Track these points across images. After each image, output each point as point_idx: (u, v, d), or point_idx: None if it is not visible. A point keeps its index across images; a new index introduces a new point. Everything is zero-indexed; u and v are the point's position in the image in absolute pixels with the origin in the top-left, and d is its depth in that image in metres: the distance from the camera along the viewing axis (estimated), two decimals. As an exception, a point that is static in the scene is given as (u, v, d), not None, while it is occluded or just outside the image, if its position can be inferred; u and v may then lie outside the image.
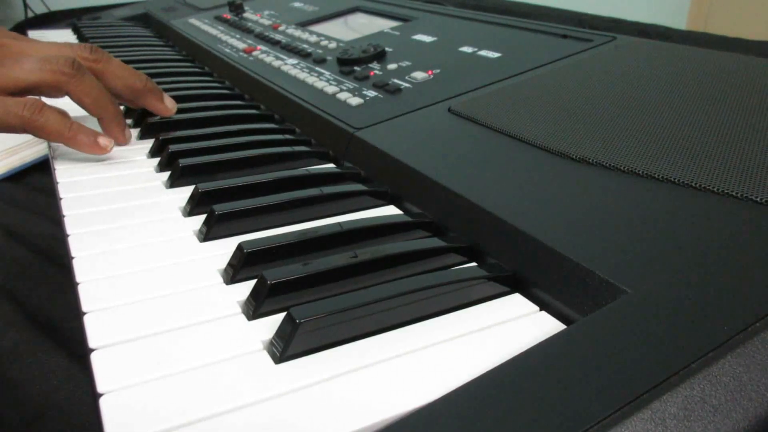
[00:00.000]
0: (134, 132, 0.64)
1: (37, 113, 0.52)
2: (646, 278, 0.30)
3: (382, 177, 0.49)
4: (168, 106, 0.64)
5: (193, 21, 1.11)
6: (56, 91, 0.55)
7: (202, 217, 0.44)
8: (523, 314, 0.33)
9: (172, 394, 0.28)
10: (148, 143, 0.61)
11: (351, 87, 0.62)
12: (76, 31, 1.20)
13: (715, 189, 0.36)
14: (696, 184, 0.36)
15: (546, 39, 0.66)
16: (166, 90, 0.72)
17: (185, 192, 0.49)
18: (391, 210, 0.46)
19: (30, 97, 0.53)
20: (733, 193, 0.35)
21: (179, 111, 0.66)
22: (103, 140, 0.56)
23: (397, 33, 0.78)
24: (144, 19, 1.31)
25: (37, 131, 0.52)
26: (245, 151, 0.54)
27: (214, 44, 0.92)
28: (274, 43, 0.85)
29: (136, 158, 0.57)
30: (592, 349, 0.26)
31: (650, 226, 0.34)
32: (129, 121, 0.67)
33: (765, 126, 0.42)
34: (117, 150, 0.59)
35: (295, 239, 0.39)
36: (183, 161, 0.51)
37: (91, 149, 0.55)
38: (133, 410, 0.27)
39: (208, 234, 0.42)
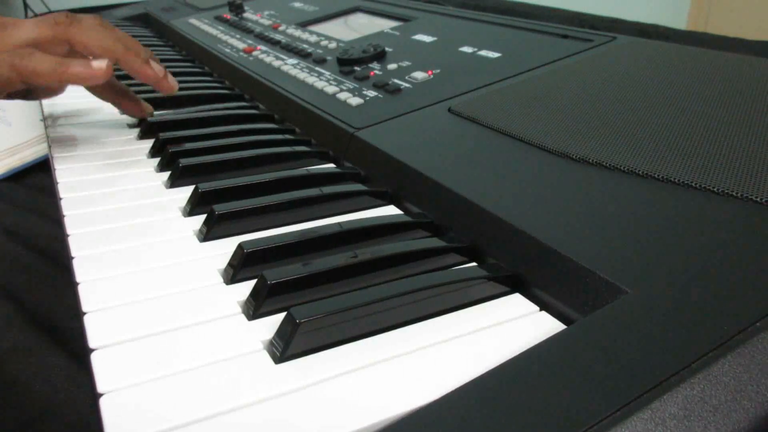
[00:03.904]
0: (134, 132, 0.64)
1: (26, 57, 0.50)
2: (646, 278, 0.30)
3: (382, 177, 0.49)
4: (171, 83, 0.61)
5: (193, 21, 1.11)
6: (58, 44, 0.54)
7: (202, 217, 0.44)
8: (523, 314, 0.33)
9: (172, 394, 0.28)
10: (148, 143, 0.61)
11: (351, 87, 0.62)
12: (76, 31, 1.19)
13: (715, 189, 0.36)
14: (696, 184, 0.36)
15: (546, 39, 0.66)
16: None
17: (185, 192, 0.49)
18: (391, 210, 0.46)
19: (23, 48, 0.51)
20: (734, 193, 0.35)
21: (179, 110, 0.66)
22: (96, 63, 0.52)
23: (397, 33, 0.78)
24: (144, 19, 1.31)
25: (30, 77, 0.51)
26: (245, 151, 0.54)
27: (214, 44, 0.92)
28: (274, 43, 0.85)
29: (137, 158, 0.57)
30: (592, 349, 0.26)
31: (650, 226, 0.34)
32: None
33: (765, 126, 0.42)
34: (117, 150, 0.59)
35: (295, 239, 0.39)
36: (183, 161, 0.51)
37: (88, 78, 0.52)
38: (133, 410, 0.27)
39: (208, 234, 0.42)
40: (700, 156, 0.39)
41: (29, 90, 0.60)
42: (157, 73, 0.58)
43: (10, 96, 0.57)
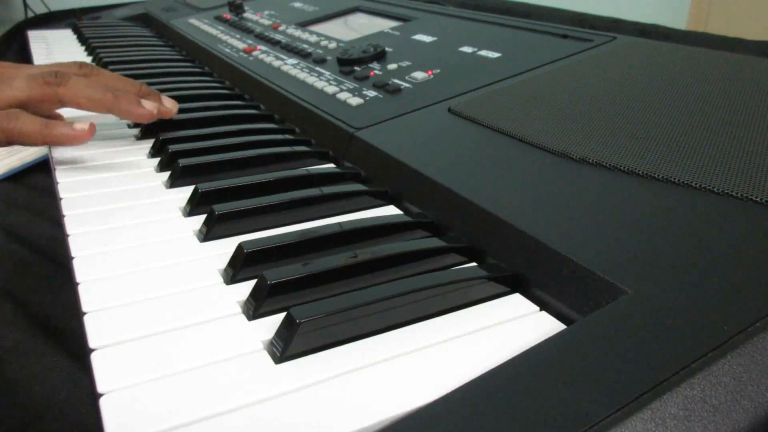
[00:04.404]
0: (134, 132, 0.64)
1: (13, 121, 0.52)
2: (646, 278, 0.30)
3: (382, 177, 0.49)
4: (168, 106, 0.64)
5: (193, 21, 1.11)
6: (49, 103, 0.56)
7: (202, 217, 0.44)
8: (523, 314, 0.33)
9: (172, 394, 0.28)
10: (148, 143, 0.61)
11: (351, 87, 0.62)
12: (76, 31, 1.20)
13: (715, 189, 0.36)
14: (696, 184, 0.36)
15: (546, 39, 0.66)
16: (166, 90, 0.72)
17: (185, 192, 0.49)
18: (391, 210, 0.46)
19: (10, 109, 0.53)
20: (734, 193, 0.35)
21: (179, 111, 0.66)
22: (79, 125, 0.55)
23: (397, 33, 0.78)
24: (144, 19, 1.31)
25: (17, 138, 0.53)
26: (245, 151, 0.54)
27: (214, 44, 0.92)
28: (274, 43, 0.85)
29: (136, 158, 0.57)
30: (592, 349, 0.26)
31: (650, 226, 0.34)
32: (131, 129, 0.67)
33: (765, 126, 0.42)
34: (117, 150, 0.59)
35: (295, 239, 0.39)
36: (183, 161, 0.51)
37: (72, 139, 0.54)
38: (133, 410, 0.27)
39: (208, 234, 0.42)
40: (700, 156, 0.39)
41: None
42: (150, 110, 0.59)
43: None
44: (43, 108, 0.56)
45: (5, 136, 0.52)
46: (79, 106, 0.56)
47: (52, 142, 0.54)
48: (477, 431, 0.23)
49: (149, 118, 0.60)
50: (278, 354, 0.30)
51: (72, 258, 0.40)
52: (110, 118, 0.69)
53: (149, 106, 0.59)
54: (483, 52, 0.65)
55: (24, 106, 0.54)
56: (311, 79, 0.66)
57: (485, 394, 0.24)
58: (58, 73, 0.55)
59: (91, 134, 0.55)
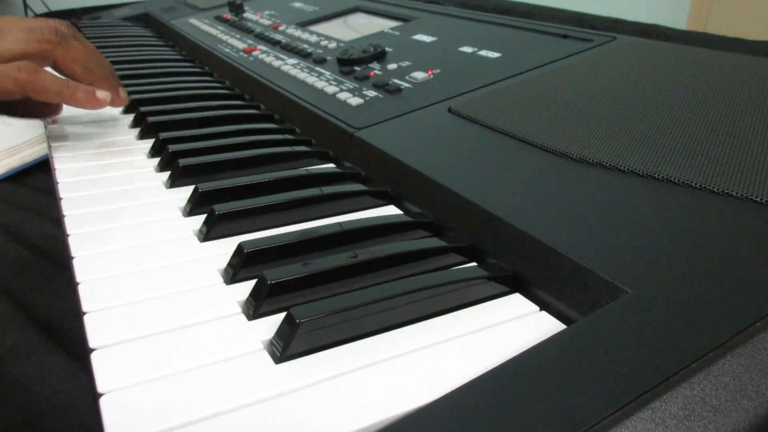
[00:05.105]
0: (134, 132, 0.64)
1: (32, 74, 0.52)
2: (646, 278, 0.30)
3: (382, 177, 0.49)
4: (123, 97, 0.63)
5: (193, 21, 1.11)
6: (43, 60, 0.56)
7: (202, 217, 0.44)
8: (523, 314, 0.33)
9: (172, 394, 0.28)
10: (148, 143, 0.61)
11: (351, 87, 0.62)
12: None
13: (715, 189, 0.36)
14: (696, 184, 0.36)
15: (546, 39, 0.66)
16: (166, 90, 0.72)
17: (185, 192, 0.49)
18: (391, 210, 0.46)
19: (23, 61, 0.53)
20: (734, 193, 0.35)
21: (179, 111, 0.66)
22: (101, 93, 0.56)
23: (397, 33, 0.78)
24: (144, 19, 1.31)
25: (36, 92, 0.53)
26: (245, 151, 0.54)
27: (214, 44, 0.92)
28: (274, 43, 0.85)
29: (136, 158, 0.57)
30: (592, 349, 0.26)
31: (650, 226, 0.34)
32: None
33: (765, 126, 0.42)
34: (117, 150, 0.59)
35: (295, 239, 0.39)
36: (183, 161, 0.51)
37: (91, 104, 0.56)
38: (133, 410, 0.27)
39: (208, 234, 0.42)
40: (700, 156, 0.39)
41: (10, 109, 0.62)
42: (125, 100, 0.63)
43: None
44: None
45: (22, 88, 0.53)
46: (69, 71, 0.57)
47: (68, 103, 0.55)
48: (477, 431, 0.23)
49: (122, 104, 0.62)
50: (278, 354, 0.30)
51: (72, 258, 0.40)
52: (110, 119, 0.69)
53: (123, 95, 0.62)
54: (483, 52, 0.65)
55: (18, 60, 0.54)
56: (311, 79, 0.66)
57: (485, 394, 0.25)
58: (58, 31, 0.56)
59: (105, 105, 0.57)
